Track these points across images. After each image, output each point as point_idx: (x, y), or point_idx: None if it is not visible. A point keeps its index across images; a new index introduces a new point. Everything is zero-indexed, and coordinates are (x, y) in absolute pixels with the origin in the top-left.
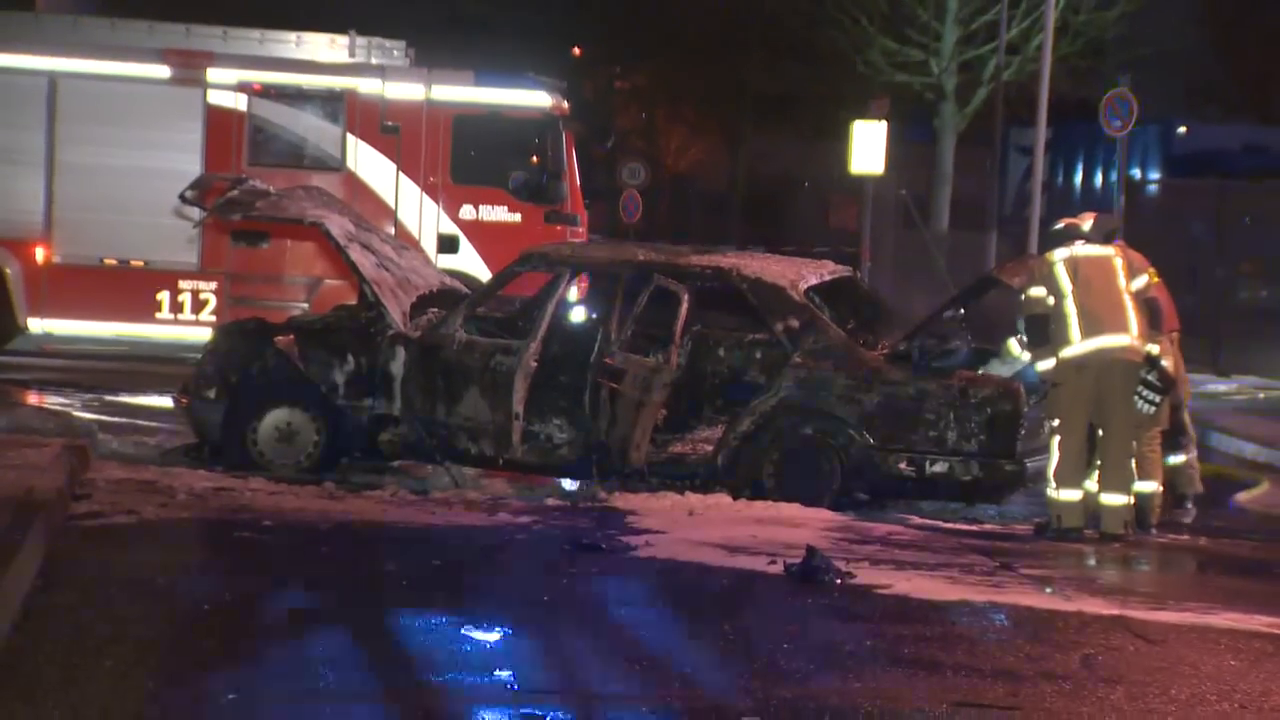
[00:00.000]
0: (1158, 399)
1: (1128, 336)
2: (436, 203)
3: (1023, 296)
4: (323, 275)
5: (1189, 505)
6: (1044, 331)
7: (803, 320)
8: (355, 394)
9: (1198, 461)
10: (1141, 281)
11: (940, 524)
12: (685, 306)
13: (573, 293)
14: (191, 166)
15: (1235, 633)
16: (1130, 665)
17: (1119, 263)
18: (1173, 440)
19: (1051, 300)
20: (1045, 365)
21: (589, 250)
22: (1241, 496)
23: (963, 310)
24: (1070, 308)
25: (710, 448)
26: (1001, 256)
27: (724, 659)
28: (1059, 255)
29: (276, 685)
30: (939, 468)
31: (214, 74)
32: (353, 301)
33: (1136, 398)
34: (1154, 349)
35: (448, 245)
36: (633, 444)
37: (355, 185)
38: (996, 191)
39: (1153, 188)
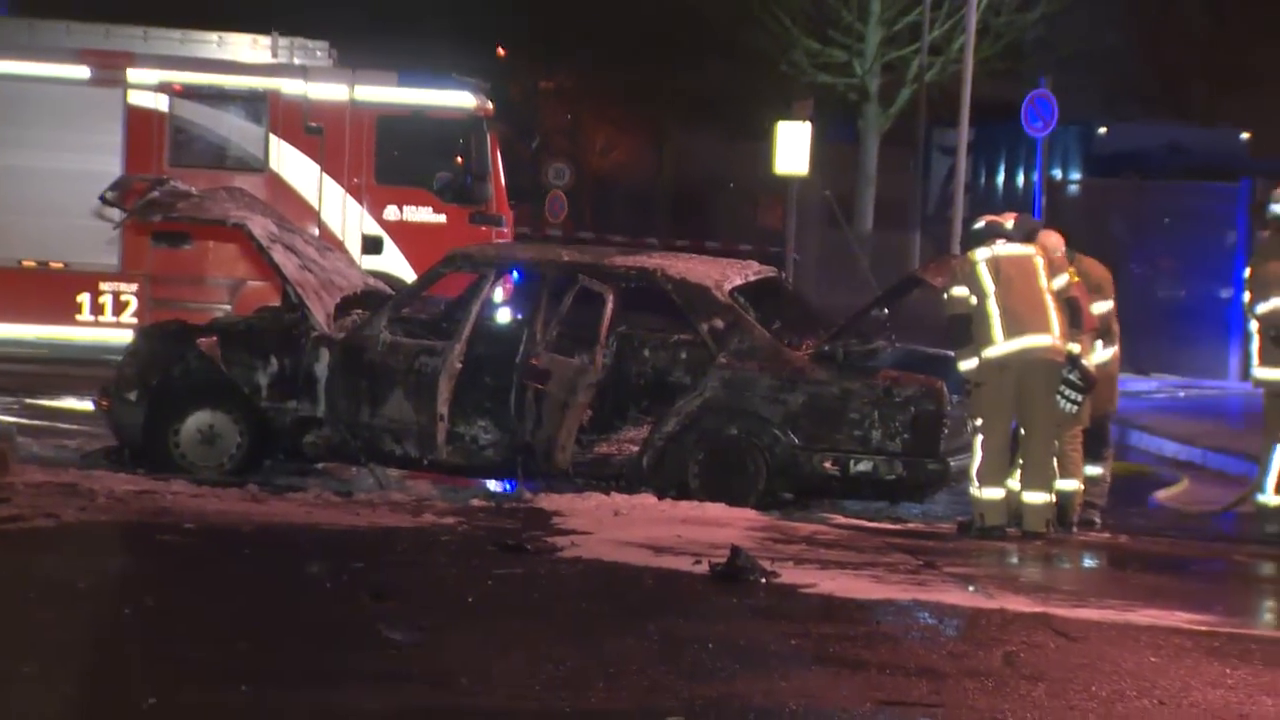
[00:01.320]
0: (1079, 398)
1: (1049, 336)
2: (360, 204)
3: (945, 296)
4: (245, 277)
5: (1096, 520)
6: (966, 331)
7: (727, 321)
8: (279, 396)
9: (1110, 476)
10: (1062, 280)
11: (865, 523)
12: (610, 307)
13: (498, 294)
14: (112, 168)
15: (1155, 629)
16: (1052, 662)
17: (1040, 262)
18: (1094, 449)
19: (974, 300)
20: (968, 365)
21: (514, 251)
22: (1161, 494)
23: (886, 310)
24: (992, 307)
25: (636, 448)
26: (925, 256)
27: (648, 659)
28: (981, 255)
29: (198, 689)
30: (863, 467)
31: (134, 74)
32: (276, 303)
33: (1059, 397)
34: (1075, 348)
35: (372, 246)
36: (558, 445)
37: (278, 186)
38: (919, 192)
39: (1073, 188)
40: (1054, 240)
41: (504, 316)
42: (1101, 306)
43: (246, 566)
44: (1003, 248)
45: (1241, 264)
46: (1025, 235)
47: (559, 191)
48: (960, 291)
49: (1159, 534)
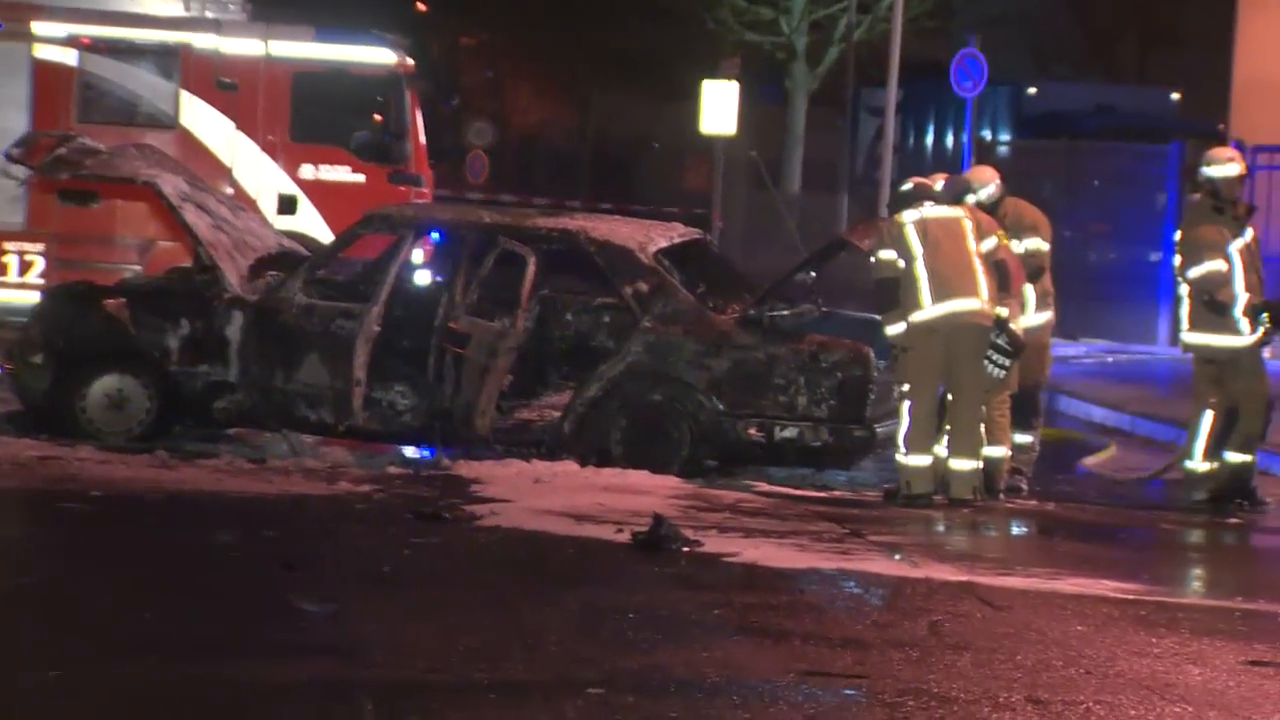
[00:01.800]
0: (1008, 362)
1: (977, 300)
2: (275, 162)
3: (872, 259)
4: (156, 236)
5: (1023, 486)
6: (894, 295)
7: (651, 284)
8: (189, 360)
9: (1039, 444)
10: (990, 243)
11: (789, 491)
12: (532, 270)
13: (416, 255)
14: (18, 123)
15: (1081, 598)
16: (977, 631)
17: (968, 224)
18: (1023, 417)
19: (901, 263)
20: (895, 329)
21: (433, 212)
22: (1089, 461)
23: (813, 273)
24: (920, 270)
25: (557, 414)
26: (852, 218)
27: (568, 630)
28: (908, 217)
29: (102, 662)
30: (788, 433)
31: (41, 27)
32: (187, 264)
33: (986, 361)
34: (1003, 312)
35: (287, 206)
36: (478, 410)
37: (190, 143)
38: (848, 153)
39: (1003, 149)
40: (987, 174)
41: (423, 279)
42: (1035, 243)
43: (154, 535)
44: (931, 210)
45: (1172, 227)
46: (954, 197)
47: (480, 151)
48: (887, 255)
49: (1086, 501)
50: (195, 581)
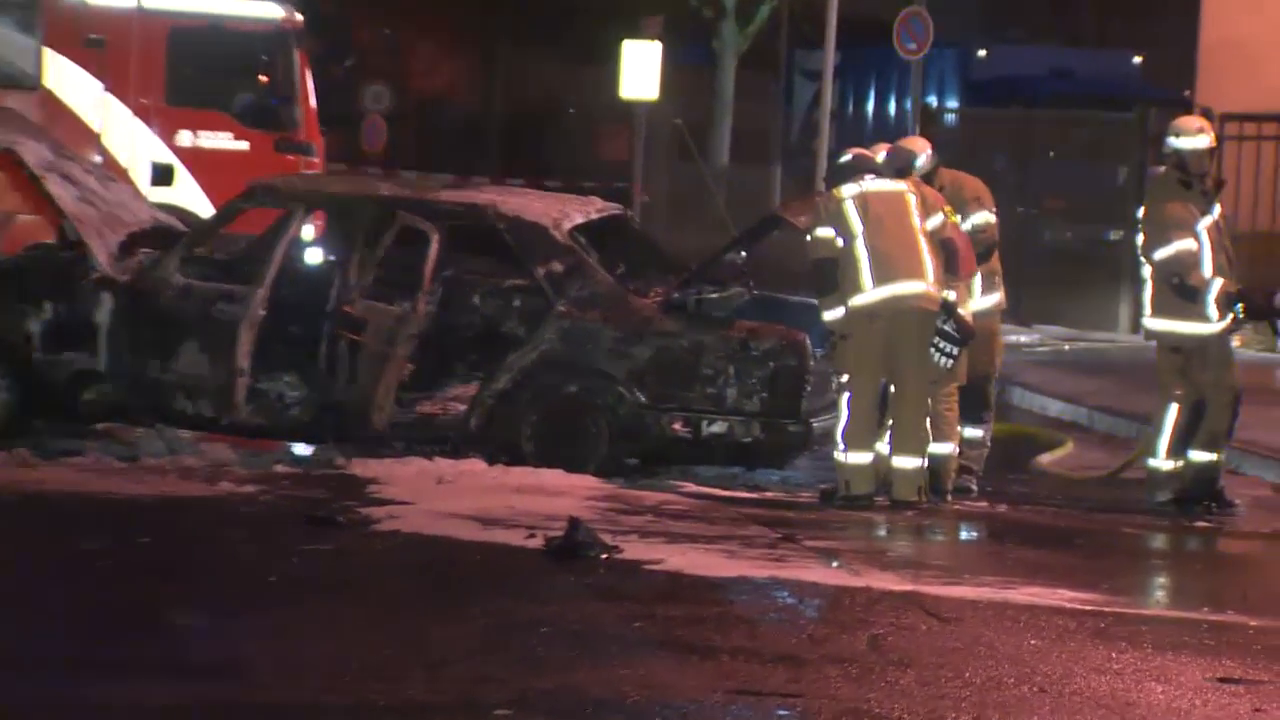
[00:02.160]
0: (955, 351)
1: (922, 283)
2: (149, 127)
3: (809, 238)
4: (14, 209)
5: (972, 487)
6: (832, 277)
7: (567, 264)
8: (53, 346)
9: (990, 440)
10: (937, 220)
11: (718, 492)
12: (435, 248)
13: (306, 231)
14: None
15: (1035, 609)
16: (922, 646)
17: (913, 200)
18: (973, 411)
19: (840, 242)
20: (833, 314)
21: (326, 183)
22: (1044, 459)
23: (744, 253)
24: (860, 250)
25: (463, 408)
26: (787, 193)
27: (475, 646)
28: (848, 192)
29: None
30: (717, 428)
31: None
32: (50, 240)
33: (932, 349)
34: (951, 296)
35: (162, 176)
36: (375, 403)
37: (54, 106)
38: (781, 121)
39: (951, 117)
40: (917, 144)
41: (314, 257)
42: (982, 217)
43: (14, 542)
44: (872, 184)
45: (1135, 204)
46: (897, 170)
47: (377, 117)
48: (825, 233)
49: (1041, 503)
50: (59, 592)
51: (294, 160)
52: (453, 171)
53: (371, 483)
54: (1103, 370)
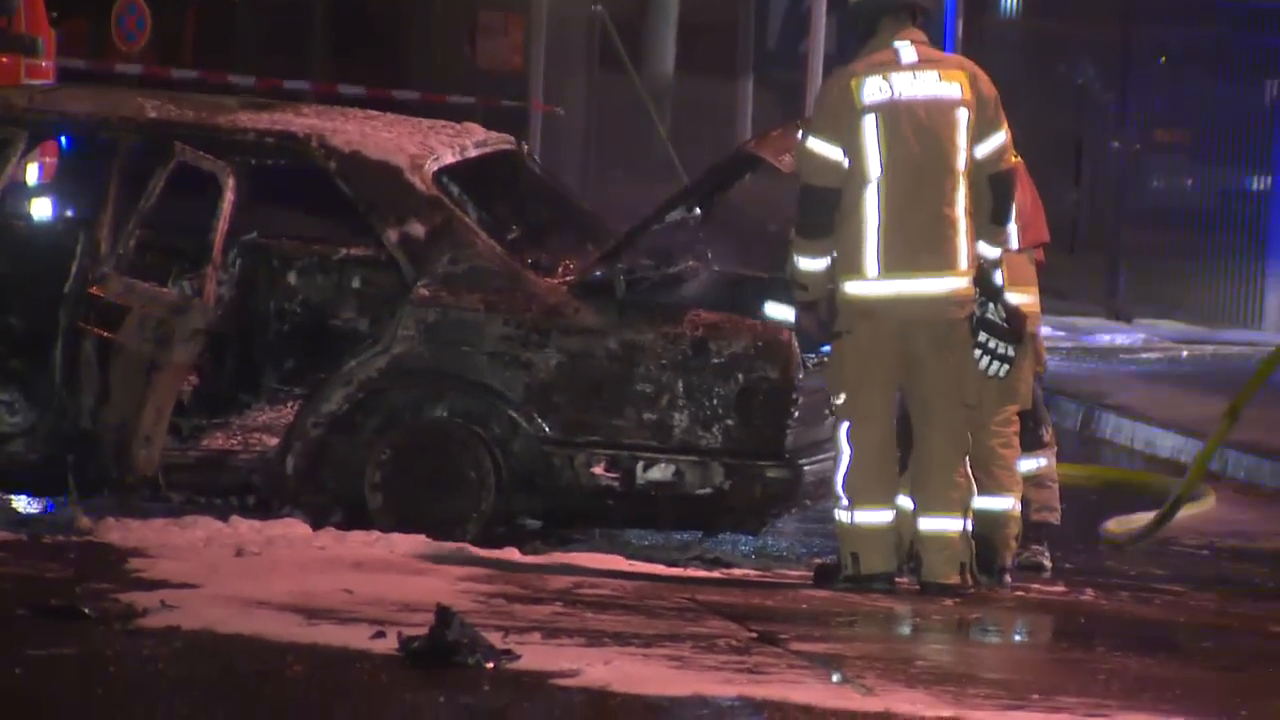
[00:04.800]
0: (1010, 350)
1: (951, 276)
2: None
3: (799, 151)
4: None
5: (1045, 562)
6: (827, 215)
7: (432, 224)
8: None
9: (1057, 473)
10: (994, 144)
11: (662, 570)
12: (230, 200)
13: (31, 173)
14: None
15: None
16: None
17: (963, 118)
18: (1025, 432)
19: (846, 164)
20: (811, 266)
21: (61, 100)
22: (1113, 524)
23: (700, 210)
24: (870, 205)
25: (275, 441)
26: (763, 119)
27: None
28: (872, 92)
29: None
30: (659, 474)
31: None
32: None
33: (978, 352)
34: (996, 278)
35: None
36: (138, 435)
37: None
38: (752, 11)
39: (1009, 4)
40: None
41: (42, 211)
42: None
43: None
44: (911, 81)
45: None
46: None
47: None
48: (828, 151)
49: (1147, 586)
50: None
51: (11, 63)
52: (256, 81)
53: (136, 554)
54: (1240, 387)
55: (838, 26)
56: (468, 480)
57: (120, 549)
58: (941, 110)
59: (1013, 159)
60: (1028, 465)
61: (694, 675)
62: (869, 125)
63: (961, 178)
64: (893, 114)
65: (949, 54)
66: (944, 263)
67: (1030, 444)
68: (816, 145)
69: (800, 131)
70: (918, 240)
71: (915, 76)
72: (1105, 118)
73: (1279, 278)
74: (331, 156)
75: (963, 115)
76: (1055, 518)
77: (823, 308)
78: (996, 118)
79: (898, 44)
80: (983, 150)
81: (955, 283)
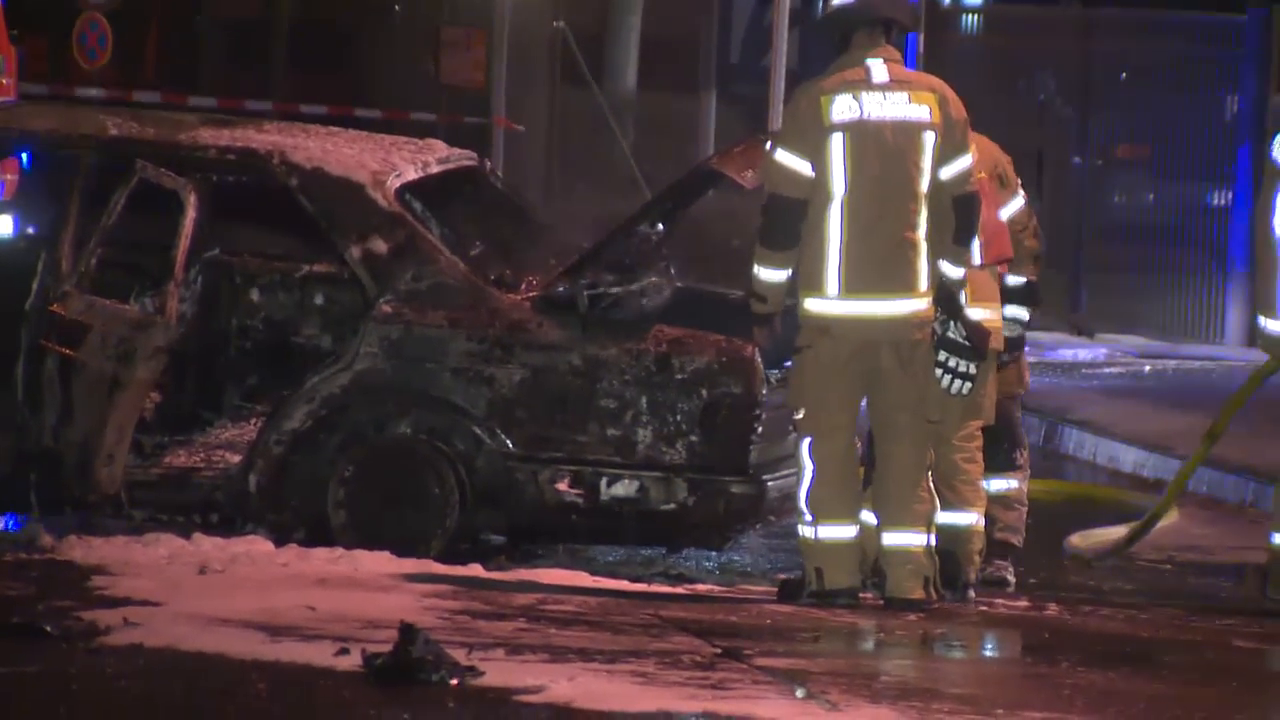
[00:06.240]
0: (971, 368)
1: (910, 298)
2: None
3: (765, 165)
4: None
5: (1009, 577)
6: (793, 225)
7: (394, 241)
8: None
9: (1025, 495)
10: (959, 166)
11: (626, 585)
12: (191, 217)
13: None
14: None
15: None
16: None
17: (929, 140)
18: (998, 454)
19: (810, 174)
20: (772, 277)
21: (22, 118)
22: (1075, 538)
23: (661, 224)
24: (833, 223)
25: (238, 459)
26: (725, 134)
27: None
28: (840, 111)
29: None
30: (622, 490)
31: None
32: None
33: (939, 371)
34: (959, 294)
35: None
36: (101, 451)
37: None
38: (715, 26)
39: (971, 20)
40: None
41: (3, 229)
42: (1011, 206)
43: None
44: (877, 100)
45: (1246, 152)
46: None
47: (98, 16)
48: (796, 164)
49: (1110, 600)
50: None
51: None
52: (218, 98)
53: (98, 572)
54: (1203, 402)
55: (800, 41)
56: (431, 496)
57: (83, 567)
58: (908, 133)
59: (978, 177)
60: (998, 486)
61: (658, 691)
62: (836, 144)
63: (924, 200)
64: (860, 134)
65: (921, 74)
66: (903, 285)
67: (1003, 465)
68: (784, 158)
69: (768, 144)
70: (879, 262)
71: (885, 97)
72: (1066, 133)
73: (1240, 292)
74: (293, 173)
75: (929, 139)
76: (1018, 540)
77: (778, 322)
78: (964, 141)
79: (870, 61)
80: (948, 172)
81: (915, 304)
